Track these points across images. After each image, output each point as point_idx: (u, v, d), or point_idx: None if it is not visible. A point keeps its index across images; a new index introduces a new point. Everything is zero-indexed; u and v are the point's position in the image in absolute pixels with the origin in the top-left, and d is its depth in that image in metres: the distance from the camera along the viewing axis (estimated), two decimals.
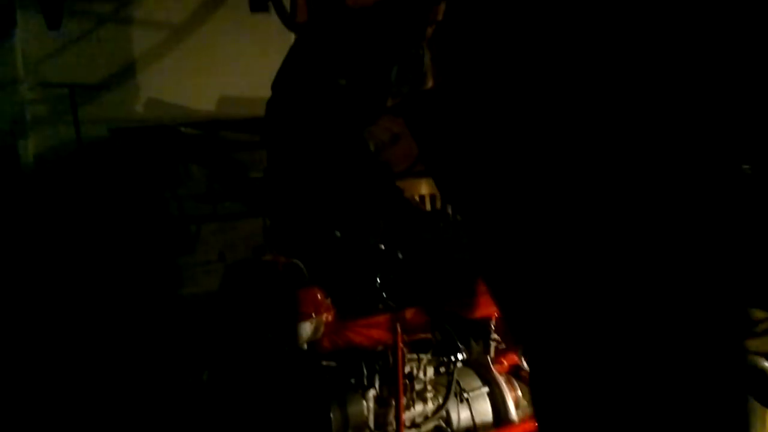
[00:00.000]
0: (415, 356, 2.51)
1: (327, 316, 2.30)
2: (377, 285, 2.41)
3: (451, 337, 2.63)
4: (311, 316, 2.24)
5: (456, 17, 3.11)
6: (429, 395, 2.56)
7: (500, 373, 2.72)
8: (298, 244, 2.81)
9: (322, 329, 2.31)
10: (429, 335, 2.53)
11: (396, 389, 2.39)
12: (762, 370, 2.40)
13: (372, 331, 2.45)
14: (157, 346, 3.53)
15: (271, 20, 4.70)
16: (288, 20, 4.57)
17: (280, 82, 3.11)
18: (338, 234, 2.68)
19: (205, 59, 4.73)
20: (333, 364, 2.41)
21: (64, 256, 4.17)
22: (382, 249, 2.52)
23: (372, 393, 2.44)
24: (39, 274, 4.00)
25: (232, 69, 4.71)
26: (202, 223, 4.26)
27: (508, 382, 2.72)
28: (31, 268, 4.03)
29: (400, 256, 2.47)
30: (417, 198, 3.64)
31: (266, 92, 2.98)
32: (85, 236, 4.27)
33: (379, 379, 2.45)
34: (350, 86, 2.86)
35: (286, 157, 3.06)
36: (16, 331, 3.61)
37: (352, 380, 2.40)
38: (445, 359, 2.59)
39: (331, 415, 2.24)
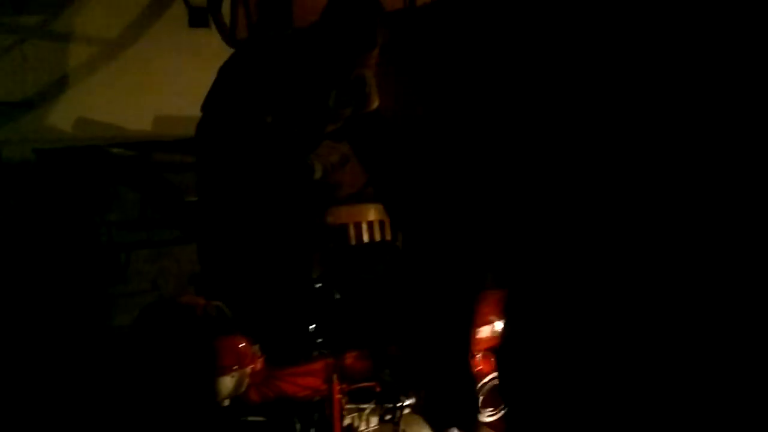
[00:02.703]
0: (355, 406, 2.26)
1: (253, 367, 2.05)
2: (312, 328, 2.16)
3: (395, 382, 2.39)
4: (232, 369, 1.99)
5: (403, 40, 2.92)
6: None
7: None
8: (226, 278, 2.56)
9: (246, 381, 2.05)
10: (372, 382, 2.28)
11: None
12: None
13: (306, 380, 2.21)
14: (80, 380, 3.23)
15: (211, 35, 4.48)
16: (228, 36, 4.34)
17: (210, 104, 2.88)
18: (270, 270, 2.43)
19: (140, 76, 4.45)
20: (261, 419, 2.15)
21: None
22: (318, 288, 2.28)
23: None
24: None
25: (168, 87, 4.43)
26: (134, 250, 3.98)
27: None
28: None
29: (338, 296, 2.22)
30: (365, 224, 3.40)
31: None
32: (5, 264, 3.95)
33: None
34: (279, 121, 2.68)
35: (215, 182, 2.82)
36: None
37: None
38: (391, 406, 2.35)
39: None
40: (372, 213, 3.39)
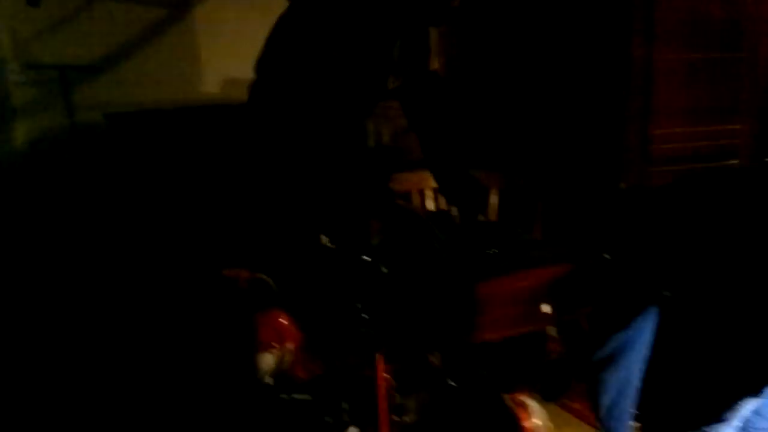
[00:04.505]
0: (404, 385, 2.17)
1: (295, 344, 1.97)
2: (358, 308, 2.05)
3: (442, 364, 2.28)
4: (272, 346, 1.91)
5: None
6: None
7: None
8: (275, 249, 2.48)
9: (289, 358, 1.97)
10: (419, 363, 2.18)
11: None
12: None
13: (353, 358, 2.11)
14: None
15: None
16: None
17: (266, 61, 2.75)
18: (325, 241, 2.32)
19: (208, 38, 4.39)
20: (308, 397, 2.07)
21: (59, 251, 3.90)
22: (367, 261, 2.17)
23: (353, 431, 2.10)
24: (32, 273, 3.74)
25: (236, 48, 4.36)
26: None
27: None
28: (23, 265, 3.77)
29: (385, 270, 2.11)
30: (429, 191, 3.28)
31: None
32: (82, 231, 4.00)
33: (362, 414, 2.11)
34: (348, 61, 2.49)
35: (268, 147, 2.71)
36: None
37: (329, 418, 2.06)
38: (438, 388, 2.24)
39: None
40: None
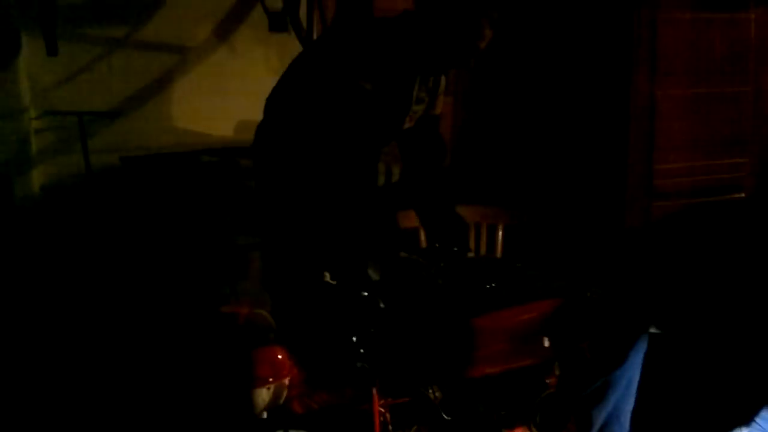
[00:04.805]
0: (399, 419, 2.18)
1: (291, 378, 1.99)
2: (355, 342, 2.07)
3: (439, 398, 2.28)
4: (268, 381, 1.93)
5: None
6: None
7: None
8: (277, 283, 2.52)
9: (284, 393, 2.00)
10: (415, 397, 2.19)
11: None
12: None
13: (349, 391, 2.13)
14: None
15: (289, 39, 4.48)
16: (303, 38, 4.34)
17: (276, 100, 2.80)
18: (328, 277, 2.34)
19: (221, 82, 4.49)
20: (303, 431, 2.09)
21: (77, 287, 3.97)
22: (365, 296, 2.19)
23: None
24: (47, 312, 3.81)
25: (249, 91, 4.44)
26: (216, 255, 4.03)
27: None
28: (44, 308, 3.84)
29: (382, 305, 2.13)
30: None
31: None
32: (97, 269, 4.07)
33: None
34: (374, 92, 2.48)
35: (275, 186, 2.75)
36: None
37: None
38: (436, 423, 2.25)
39: None
40: None
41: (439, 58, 2.55)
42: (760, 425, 2.15)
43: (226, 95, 4.53)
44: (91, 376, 3.24)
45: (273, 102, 2.82)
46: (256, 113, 4.55)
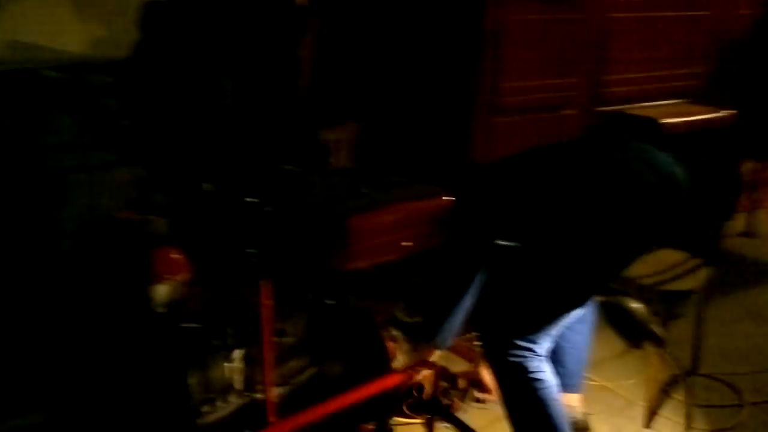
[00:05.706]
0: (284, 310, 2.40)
1: (185, 276, 2.15)
2: (244, 242, 2.25)
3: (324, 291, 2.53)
4: (165, 278, 2.08)
5: None
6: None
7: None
8: (167, 197, 2.64)
9: (181, 290, 2.16)
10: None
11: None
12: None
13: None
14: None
15: None
16: None
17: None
18: (207, 187, 2.50)
19: None
20: (198, 325, 2.27)
21: None
22: (253, 202, 2.36)
23: (238, 353, 2.33)
24: None
25: (104, 5, 4.35)
26: (69, 175, 3.98)
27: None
28: None
29: (269, 209, 2.32)
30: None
31: None
32: None
33: (248, 338, 2.33)
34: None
35: (159, 94, 2.84)
36: None
37: (217, 342, 2.27)
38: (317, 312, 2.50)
39: (189, 380, 2.11)
40: None
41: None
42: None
43: (78, 9, 4.39)
44: None
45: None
46: (108, 30, 4.47)
